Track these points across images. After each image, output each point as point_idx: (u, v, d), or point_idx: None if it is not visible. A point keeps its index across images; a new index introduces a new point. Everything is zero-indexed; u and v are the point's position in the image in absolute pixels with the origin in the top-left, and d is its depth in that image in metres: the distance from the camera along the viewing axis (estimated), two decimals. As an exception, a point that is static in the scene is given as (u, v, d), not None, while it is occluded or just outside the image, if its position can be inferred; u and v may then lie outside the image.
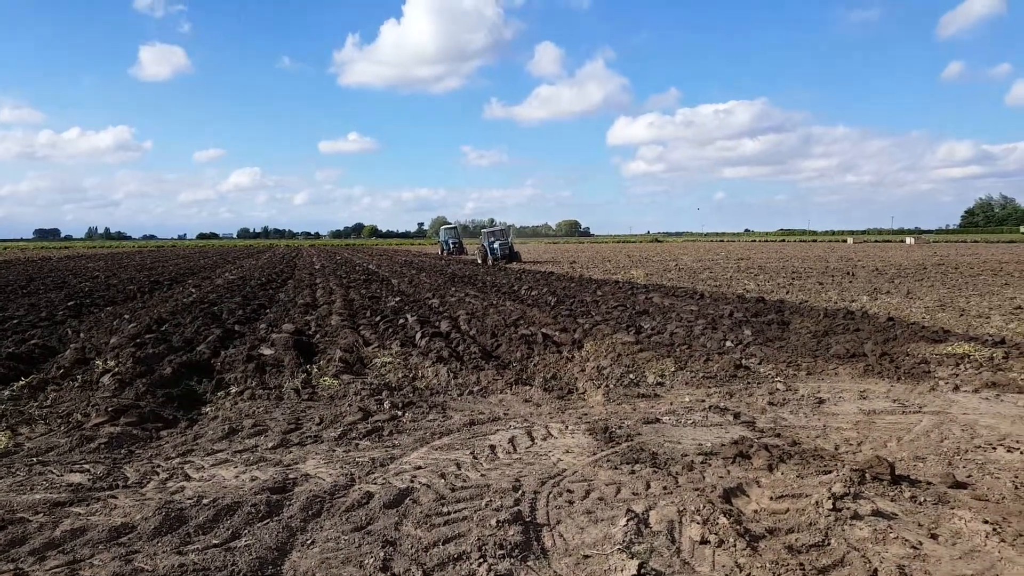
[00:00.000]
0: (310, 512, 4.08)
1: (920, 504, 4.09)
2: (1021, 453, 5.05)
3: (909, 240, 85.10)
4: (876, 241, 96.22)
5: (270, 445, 5.52)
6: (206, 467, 5.03)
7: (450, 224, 71.27)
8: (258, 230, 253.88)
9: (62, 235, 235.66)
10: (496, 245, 40.10)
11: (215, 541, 3.70)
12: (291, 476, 4.75)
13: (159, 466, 5.06)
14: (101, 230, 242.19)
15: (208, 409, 6.78)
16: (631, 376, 7.93)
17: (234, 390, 7.39)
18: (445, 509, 4.12)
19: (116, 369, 8.02)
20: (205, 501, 4.26)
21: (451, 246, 55.99)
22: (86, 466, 5.02)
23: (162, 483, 4.70)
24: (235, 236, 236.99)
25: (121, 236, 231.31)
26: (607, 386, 7.52)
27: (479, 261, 40.36)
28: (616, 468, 4.83)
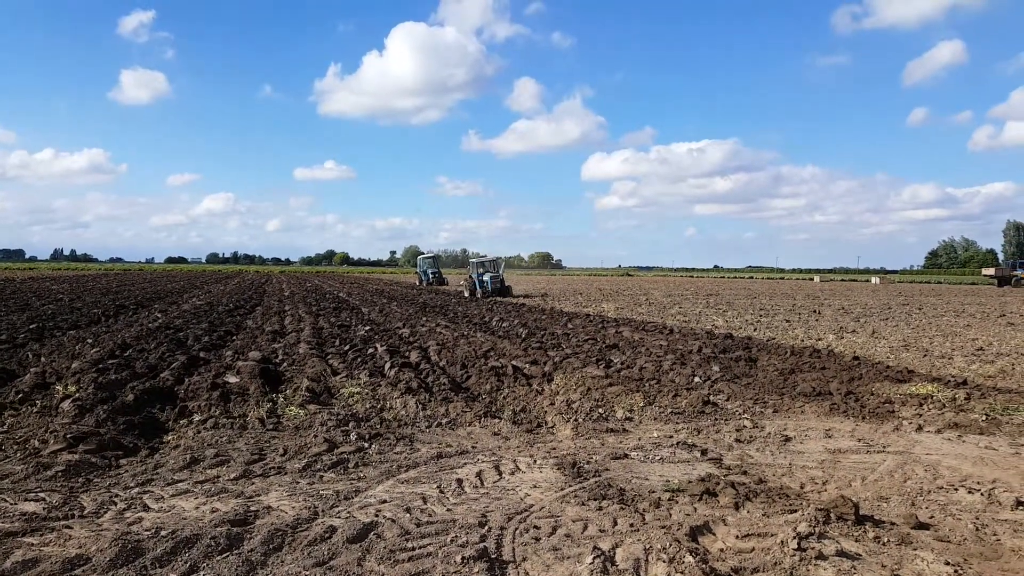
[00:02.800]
0: (271, 546, 3.99)
1: (884, 545, 4.12)
2: (982, 495, 5.12)
3: (874, 280, 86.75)
4: (842, 280, 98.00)
5: (232, 476, 5.40)
6: (166, 497, 4.91)
7: (429, 253, 66.57)
8: (227, 255, 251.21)
9: (27, 256, 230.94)
10: (486, 278, 36.69)
11: (172, 575, 3.60)
12: (253, 508, 4.64)
13: (117, 496, 4.93)
14: (68, 252, 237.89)
15: (170, 437, 6.63)
16: (600, 410, 7.93)
17: (197, 418, 7.25)
18: (409, 545, 4.05)
19: (77, 395, 7.83)
20: (163, 533, 4.15)
21: (430, 276, 53.07)
22: (41, 495, 4.87)
23: (120, 513, 4.57)
24: (204, 261, 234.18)
25: (87, 258, 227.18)
26: (576, 420, 7.50)
27: (466, 295, 36.74)
28: (583, 504, 4.80)
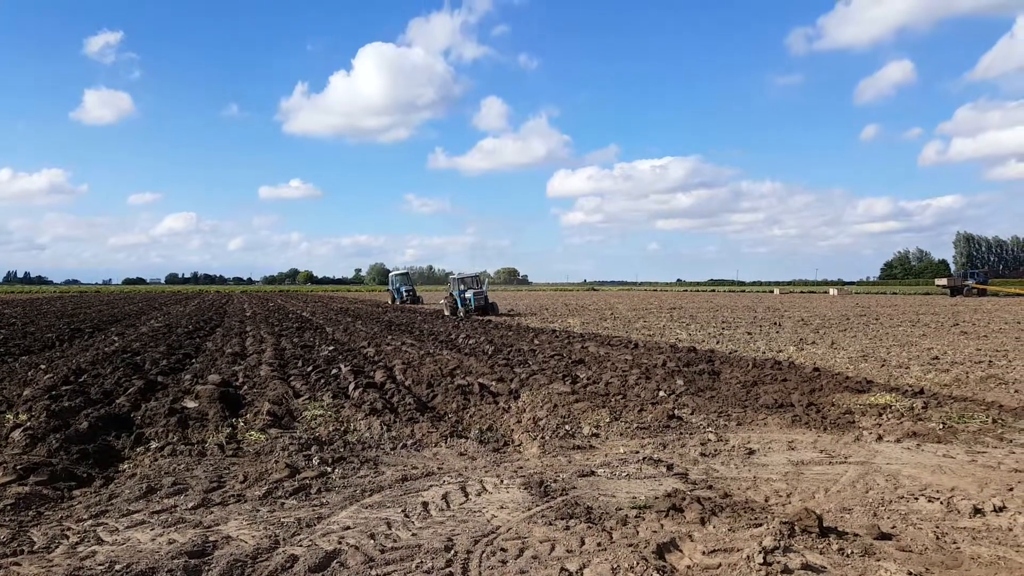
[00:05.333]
0: (230, 578, 3.87)
1: (848, 556, 4.15)
2: (941, 503, 5.20)
3: (832, 291, 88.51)
4: (801, 292, 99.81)
5: (190, 505, 5.26)
6: (120, 529, 4.75)
7: (401, 269, 62.73)
8: (187, 275, 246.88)
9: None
10: (469, 295, 33.75)
11: (125, 612, 3.48)
12: (211, 539, 4.51)
13: (69, 529, 4.75)
14: (22, 274, 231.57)
15: (126, 466, 6.44)
16: (567, 427, 7.91)
17: (154, 445, 7.06)
18: (373, 572, 3.97)
19: (28, 423, 7.58)
20: (118, 567, 4.01)
21: (403, 294, 50.42)
22: (-14, 531, 4.68)
23: (72, 547, 4.41)
24: (163, 281, 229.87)
25: (42, 280, 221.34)
26: (543, 438, 7.47)
27: (447, 314, 33.85)
28: (551, 524, 4.77)
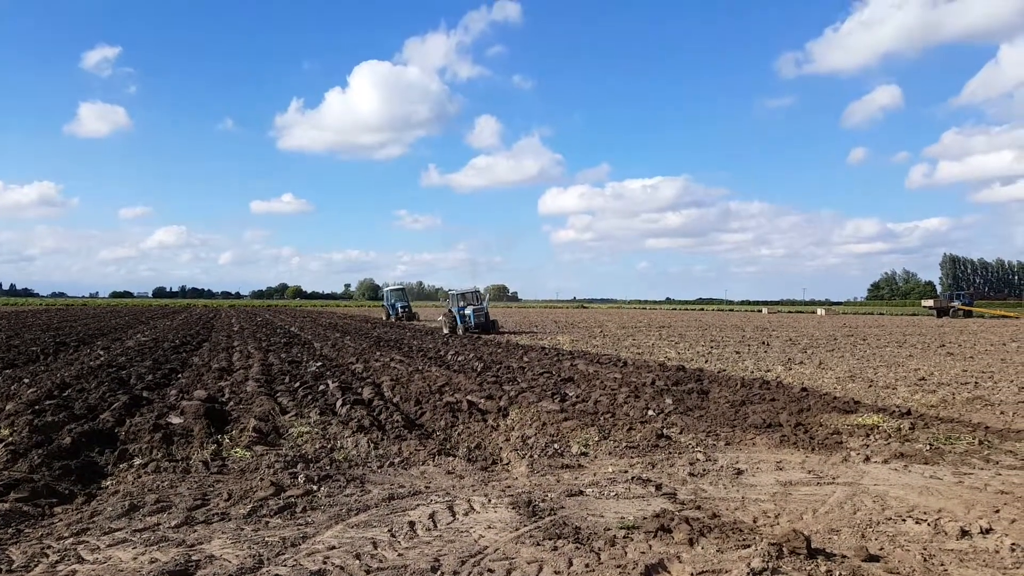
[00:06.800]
0: (213, 598, 3.82)
1: (835, 578, 4.14)
2: (928, 525, 5.21)
3: (820, 311, 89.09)
4: (789, 312, 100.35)
5: (173, 523, 5.19)
6: (102, 548, 4.68)
7: (396, 284, 59.65)
8: (175, 289, 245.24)
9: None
10: (469, 311, 32.33)
11: (105, 634, 3.42)
12: (194, 558, 4.45)
13: (50, 547, 4.68)
14: (8, 286, 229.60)
15: (109, 483, 6.36)
16: (555, 446, 7.89)
17: (138, 462, 6.98)
18: (359, 592, 3.93)
19: (10, 439, 7.49)
20: (97, 587, 3.95)
21: (399, 310, 48.43)
22: (-36, 549, 4.60)
23: (51, 567, 4.34)
24: (151, 295, 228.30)
25: (28, 293, 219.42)
26: (531, 456, 7.44)
27: (445, 331, 32.40)
28: (538, 544, 4.73)
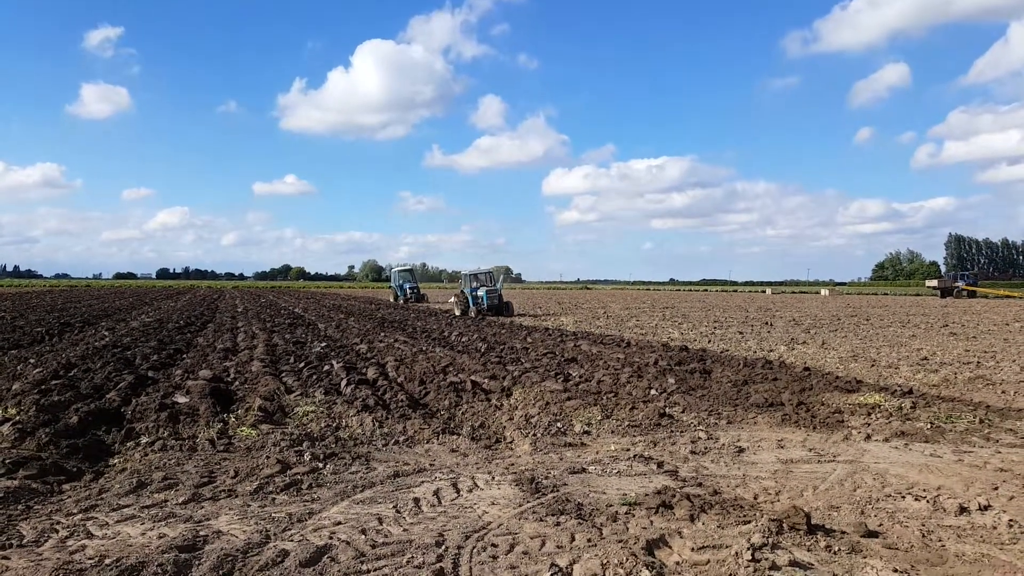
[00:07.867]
0: (221, 572, 3.88)
1: (835, 553, 4.19)
2: (927, 502, 5.25)
3: (824, 292, 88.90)
4: (793, 292, 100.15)
5: (181, 500, 5.26)
6: (110, 524, 4.75)
7: (404, 265, 58.12)
8: (179, 270, 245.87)
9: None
10: (481, 292, 31.27)
11: (115, 606, 3.48)
12: (202, 533, 4.52)
13: (59, 523, 4.75)
14: (12, 268, 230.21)
15: (116, 461, 6.43)
16: (559, 424, 7.94)
17: (145, 440, 7.05)
18: (364, 567, 3.99)
19: (17, 418, 7.56)
20: (107, 561, 4.01)
21: (408, 292, 46.90)
22: (-25, 525, 4.67)
23: (61, 541, 4.41)
24: (154, 276, 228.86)
25: (32, 274, 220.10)
26: (535, 435, 7.50)
27: (457, 313, 31.62)
28: (541, 520, 4.79)
